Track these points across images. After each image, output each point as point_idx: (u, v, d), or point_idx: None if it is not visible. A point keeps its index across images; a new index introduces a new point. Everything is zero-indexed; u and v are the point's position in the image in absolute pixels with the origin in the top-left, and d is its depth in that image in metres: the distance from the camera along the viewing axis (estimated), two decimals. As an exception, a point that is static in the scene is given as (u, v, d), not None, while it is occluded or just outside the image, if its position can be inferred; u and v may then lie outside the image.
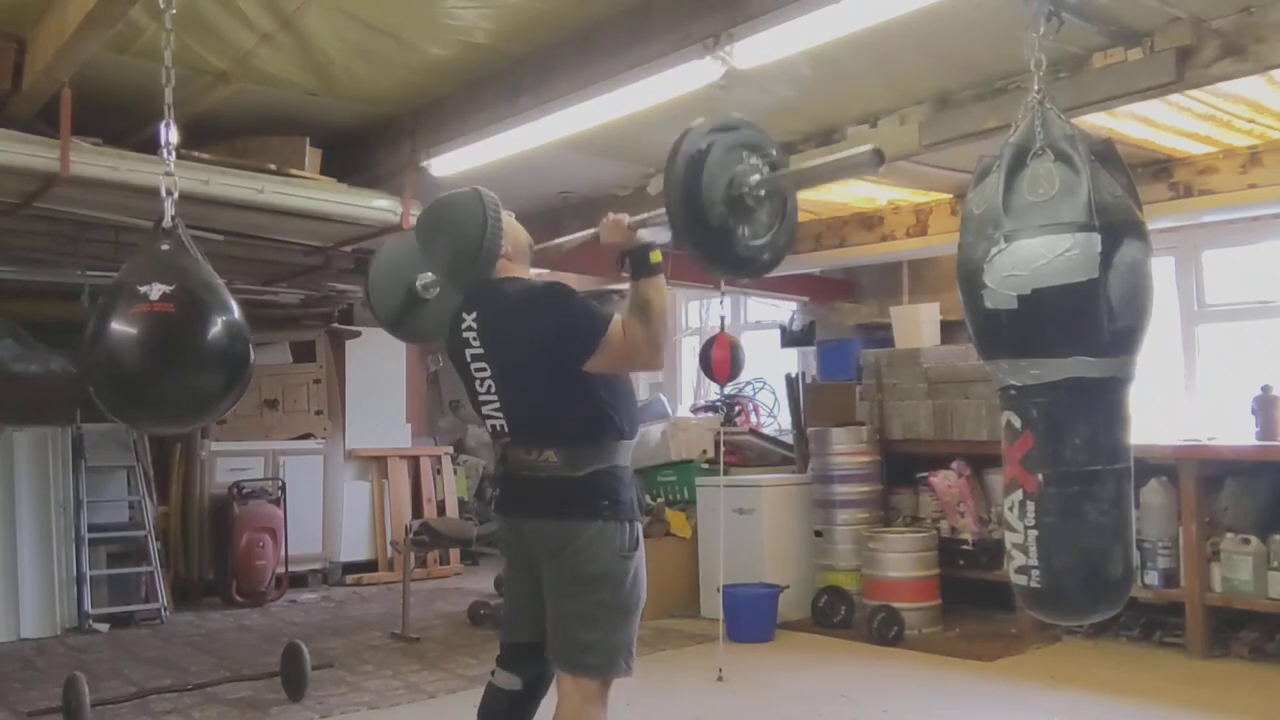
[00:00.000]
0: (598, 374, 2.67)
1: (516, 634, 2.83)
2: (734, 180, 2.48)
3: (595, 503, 2.64)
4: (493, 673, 2.87)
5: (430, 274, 3.28)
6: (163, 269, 2.83)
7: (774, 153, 2.57)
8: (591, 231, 2.80)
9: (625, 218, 2.68)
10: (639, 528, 2.72)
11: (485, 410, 2.79)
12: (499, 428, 2.78)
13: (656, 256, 2.65)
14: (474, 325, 2.77)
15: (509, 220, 2.83)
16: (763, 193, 2.52)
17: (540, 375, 2.67)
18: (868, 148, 2.34)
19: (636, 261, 2.64)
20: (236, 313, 2.90)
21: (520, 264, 2.88)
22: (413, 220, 5.50)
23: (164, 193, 2.95)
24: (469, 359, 2.79)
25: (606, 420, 2.68)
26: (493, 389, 2.75)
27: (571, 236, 3.01)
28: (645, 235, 2.67)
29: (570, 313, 2.67)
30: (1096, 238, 2.09)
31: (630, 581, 2.66)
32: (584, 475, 2.65)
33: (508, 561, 2.93)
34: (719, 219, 2.46)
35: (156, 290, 2.73)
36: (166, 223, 2.94)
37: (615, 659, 2.65)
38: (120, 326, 2.74)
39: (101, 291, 2.98)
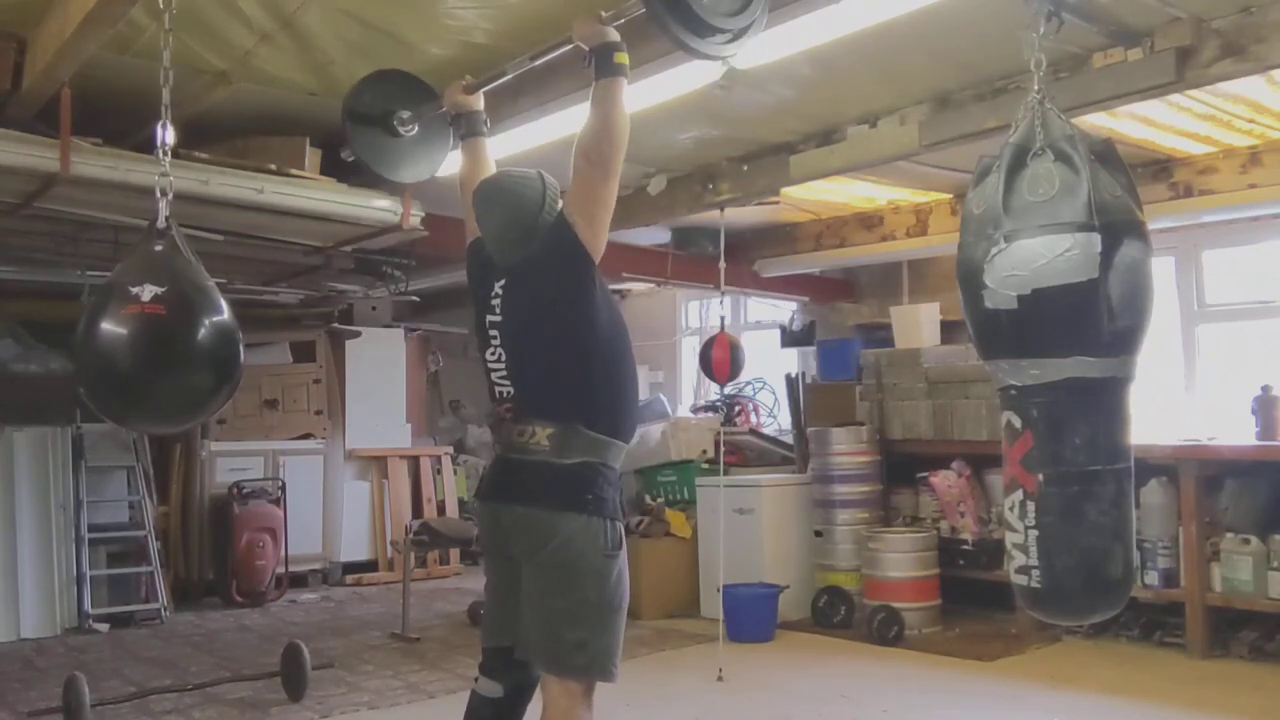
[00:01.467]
0: (606, 360, 2.67)
1: (497, 637, 2.78)
2: None
3: (579, 495, 2.61)
4: (475, 680, 2.83)
5: (412, 115, 3.30)
6: (155, 270, 2.83)
7: None
8: (566, 37, 2.80)
9: (601, 11, 2.69)
10: (620, 528, 2.68)
11: (494, 377, 2.78)
12: (503, 394, 2.76)
13: (622, 57, 2.65)
14: (500, 293, 2.78)
15: None
16: None
17: (550, 340, 2.67)
18: None
19: (601, 59, 2.66)
20: (227, 314, 2.90)
21: None
22: (413, 220, 5.52)
23: (158, 193, 2.94)
24: (488, 324, 2.80)
25: (605, 405, 2.67)
26: (503, 357, 2.76)
27: (547, 46, 2.98)
28: (614, 34, 2.68)
29: (545, 240, 2.70)
30: (1096, 238, 2.09)
31: (614, 580, 2.63)
32: (571, 464, 2.62)
33: (487, 560, 2.88)
34: None
35: (148, 291, 2.73)
36: (160, 223, 2.94)
37: (604, 661, 2.61)
38: (111, 327, 2.75)
39: (95, 291, 2.99)
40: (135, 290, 2.73)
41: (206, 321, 2.83)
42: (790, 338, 8.33)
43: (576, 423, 2.63)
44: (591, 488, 2.63)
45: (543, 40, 4.21)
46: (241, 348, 2.95)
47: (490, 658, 2.81)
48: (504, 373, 2.75)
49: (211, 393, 2.88)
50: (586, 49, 2.70)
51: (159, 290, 2.74)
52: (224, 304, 2.92)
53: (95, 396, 2.83)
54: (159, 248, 2.91)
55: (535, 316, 2.71)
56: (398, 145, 3.46)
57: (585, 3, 3.90)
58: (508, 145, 4.84)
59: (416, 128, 3.43)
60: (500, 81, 3.21)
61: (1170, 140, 5.36)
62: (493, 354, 2.78)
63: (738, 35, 2.70)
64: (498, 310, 2.78)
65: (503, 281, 2.78)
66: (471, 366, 9.21)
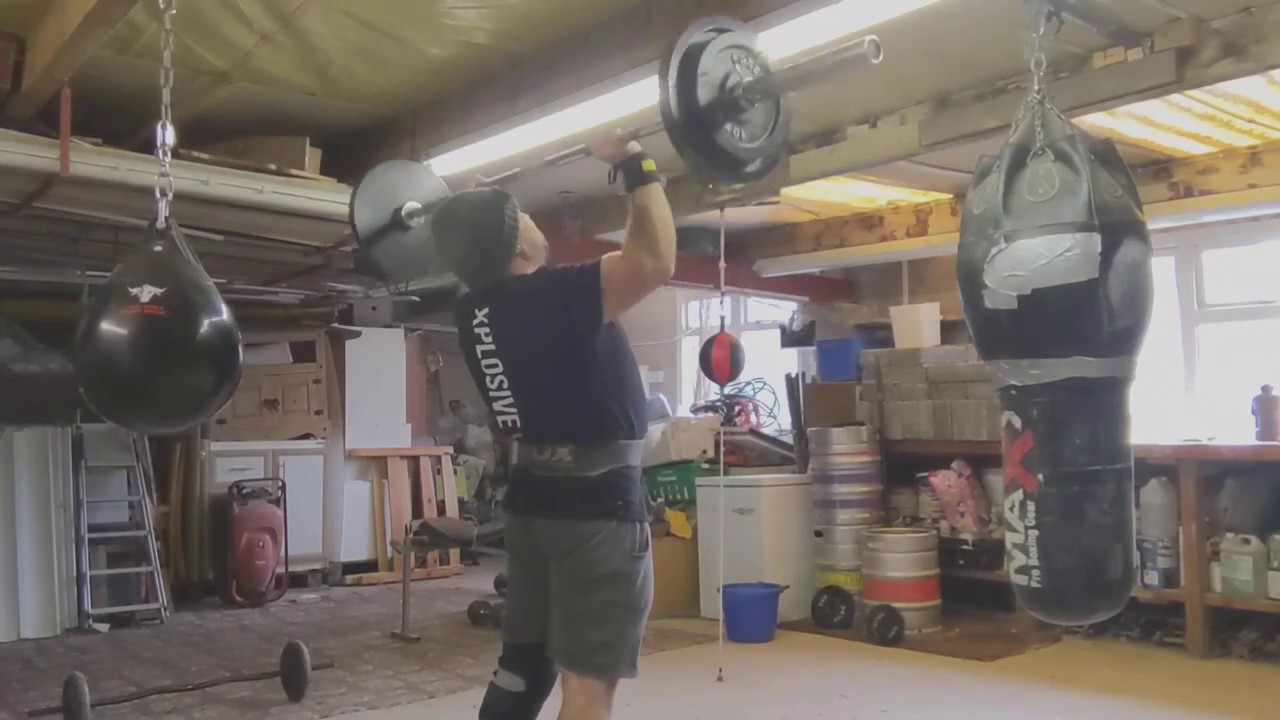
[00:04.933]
0: (608, 371, 2.67)
1: (520, 634, 2.81)
2: (728, 79, 2.46)
3: (609, 503, 2.64)
4: (495, 673, 2.84)
5: (418, 204, 3.28)
6: (155, 271, 2.83)
7: (767, 59, 2.55)
8: (581, 147, 2.76)
9: (617, 129, 2.65)
10: (647, 530, 2.71)
11: (497, 406, 2.78)
12: (510, 423, 2.76)
13: (650, 165, 2.62)
14: (485, 321, 2.76)
15: (526, 220, 2.82)
16: (757, 94, 2.49)
17: (552, 371, 2.66)
18: (865, 39, 2.27)
19: (630, 172, 2.62)
20: (226, 315, 2.90)
21: (534, 264, 2.86)
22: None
23: (158, 194, 2.95)
24: (480, 355, 2.78)
25: (618, 417, 2.67)
26: (505, 385, 2.74)
27: (560, 153, 2.93)
28: (636, 146, 2.64)
29: (564, 281, 2.67)
30: (1096, 238, 2.09)
31: (640, 582, 2.66)
32: (598, 475, 2.65)
33: (513, 560, 2.90)
34: (712, 115, 2.45)
35: (147, 292, 2.73)
36: (160, 224, 2.95)
37: (624, 659, 2.64)
38: (111, 328, 2.75)
39: (95, 292, 2.99)
40: (135, 291, 2.74)
41: (206, 322, 2.83)
42: (790, 338, 8.33)
43: (595, 437, 2.65)
44: (620, 494, 2.66)
45: (542, 40, 4.23)
46: (241, 348, 2.95)
47: (512, 652, 2.83)
48: (509, 402, 2.75)
49: (211, 393, 2.89)
50: (610, 166, 2.67)
51: (158, 291, 2.75)
52: (223, 305, 2.92)
53: (95, 397, 2.83)
54: (159, 248, 2.92)
55: (537, 350, 2.70)
56: (413, 237, 3.33)
57: (581, 3, 3.92)
58: (508, 145, 4.85)
59: (424, 218, 3.30)
60: (509, 174, 3.14)
61: (1170, 140, 5.36)
62: (493, 382, 2.76)
63: (769, 155, 2.64)
64: (487, 339, 2.75)
65: (486, 309, 2.76)
66: (471, 366, 9.22)
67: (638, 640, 2.67)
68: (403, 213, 3.31)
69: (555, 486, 2.68)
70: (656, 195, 2.59)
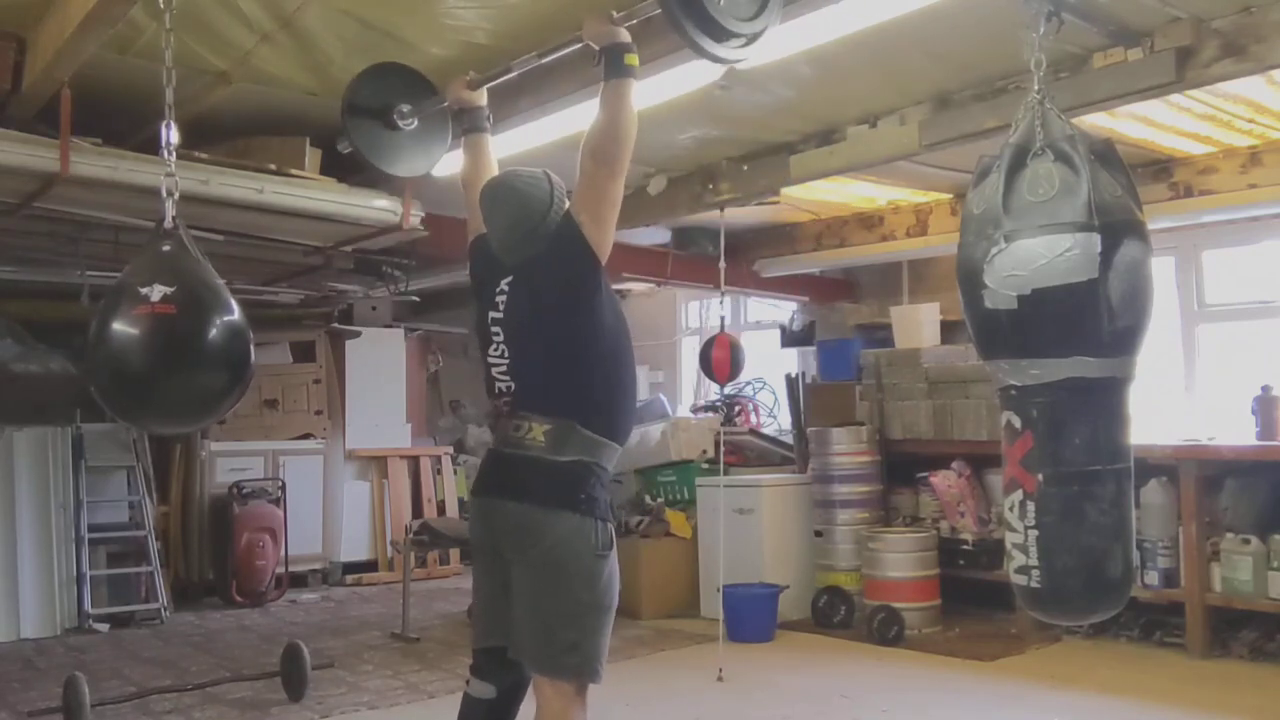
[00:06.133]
0: (607, 359, 2.67)
1: (488, 638, 2.76)
2: None
3: (572, 494, 2.60)
4: (467, 682, 2.81)
5: (412, 109, 3.33)
6: (164, 270, 2.83)
7: None
8: (580, 43, 2.79)
9: (613, 10, 2.68)
10: (611, 529, 2.68)
11: (494, 371, 2.77)
12: (504, 389, 2.75)
13: (632, 59, 2.65)
14: (505, 290, 2.77)
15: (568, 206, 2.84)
16: None
17: (552, 334, 2.66)
18: None
19: (611, 59, 2.64)
20: (237, 313, 2.90)
21: None
22: (413, 220, 5.51)
23: (164, 193, 2.94)
24: (490, 321, 2.79)
25: (601, 406, 2.66)
26: (505, 353, 2.75)
27: (557, 46, 2.97)
28: (626, 35, 2.67)
29: (552, 235, 2.70)
30: (1096, 238, 2.09)
31: (606, 580, 2.63)
32: (565, 462, 2.61)
33: (476, 559, 2.87)
34: None
35: (158, 291, 2.73)
36: (168, 223, 2.94)
37: (593, 661, 2.61)
38: (122, 328, 2.75)
39: (103, 292, 2.99)
40: (145, 291, 2.73)
41: (217, 320, 2.83)
42: (790, 338, 8.33)
43: (573, 420, 2.62)
44: (584, 487, 2.62)
45: (543, 41, 4.21)
46: (252, 346, 2.95)
47: (481, 659, 2.79)
48: (505, 368, 2.74)
49: (224, 391, 2.88)
50: (596, 48, 2.68)
51: (168, 290, 2.74)
52: (234, 303, 2.92)
53: (108, 398, 2.83)
54: (167, 248, 2.92)
55: (539, 314, 2.70)
56: (396, 139, 3.46)
57: (583, 3, 3.92)
58: (507, 145, 4.84)
59: (416, 122, 3.43)
60: (505, 78, 3.20)
61: (1170, 140, 5.36)
62: (495, 350, 2.77)
63: (751, 40, 2.69)
64: (501, 308, 2.77)
65: (509, 279, 2.77)
66: (472, 366, 9.21)
67: (605, 641, 2.64)
68: (395, 110, 3.37)
69: (521, 467, 2.64)
70: (626, 92, 2.63)
